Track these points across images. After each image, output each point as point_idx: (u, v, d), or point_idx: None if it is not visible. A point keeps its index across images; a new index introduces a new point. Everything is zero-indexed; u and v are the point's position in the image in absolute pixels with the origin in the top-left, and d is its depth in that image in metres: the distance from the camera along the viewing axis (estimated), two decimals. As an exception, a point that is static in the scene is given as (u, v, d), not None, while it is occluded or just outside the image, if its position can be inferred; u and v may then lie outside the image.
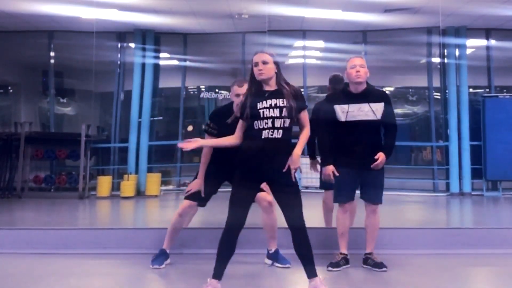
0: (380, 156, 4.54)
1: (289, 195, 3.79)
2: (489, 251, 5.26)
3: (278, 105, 3.79)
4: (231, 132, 4.04)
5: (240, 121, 3.92)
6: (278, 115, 3.76)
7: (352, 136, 4.57)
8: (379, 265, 4.62)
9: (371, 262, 4.67)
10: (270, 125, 3.75)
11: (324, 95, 5.75)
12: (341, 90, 4.88)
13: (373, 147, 4.60)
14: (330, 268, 4.62)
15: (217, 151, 4.58)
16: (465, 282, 4.61)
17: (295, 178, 3.79)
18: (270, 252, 4.80)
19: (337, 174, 4.60)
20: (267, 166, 3.75)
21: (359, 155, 4.56)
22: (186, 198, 4.66)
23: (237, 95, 4.48)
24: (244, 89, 4.42)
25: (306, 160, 5.93)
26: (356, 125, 4.57)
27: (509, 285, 4.41)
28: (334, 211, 5.34)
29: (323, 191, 5.71)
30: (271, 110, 3.78)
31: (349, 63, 4.69)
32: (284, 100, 3.81)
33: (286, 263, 4.71)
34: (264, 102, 3.81)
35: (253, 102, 3.82)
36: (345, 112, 4.61)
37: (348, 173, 4.64)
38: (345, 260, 4.72)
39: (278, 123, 3.76)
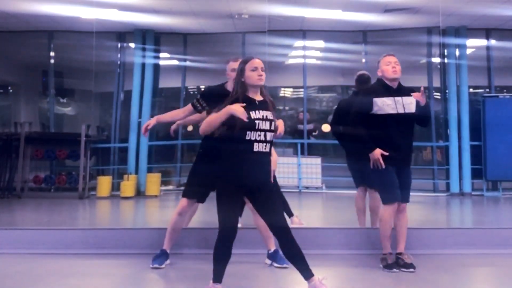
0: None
1: (269, 200, 3.74)
2: (489, 251, 5.26)
3: (268, 117, 3.71)
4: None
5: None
6: (268, 128, 3.69)
7: (394, 130, 4.56)
8: (407, 266, 4.60)
9: (401, 262, 4.65)
10: (263, 138, 3.66)
11: (325, 95, 5.78)
12: (378, 84, 4.82)
13: (410, 143, 4.68)
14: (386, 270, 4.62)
15: (212, 150, 4.58)
16: (465, 282, 4.61)
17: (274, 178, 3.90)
18: (270, 252, 4.80)
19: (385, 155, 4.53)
20: (253, 179, 3.67)
21: (401, 150, 4.58)
22: (184, 195, 4.68)
23: (233, 70, 4.46)
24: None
25: (306, 160, 5.95)
26: (397, 119, 4.57)
27: (509, 285, 4.41)
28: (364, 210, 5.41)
29: (324, 191, 5.71)
30: (263, 122, 3.68)
31: (383, 60, 4.73)
32: (271, 113, 3.75)
33: (283, 263, 4.68)
34: (258, 112, 3.69)
35: (246, 110, 3.62)
36: (385, 104, 4.60)
37: (392, 170, 4.62)
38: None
39: (269, 136, 3.70)
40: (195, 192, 4.65)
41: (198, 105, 4.60)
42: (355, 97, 5.26)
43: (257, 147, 3.66)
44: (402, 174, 4.65)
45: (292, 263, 3.77)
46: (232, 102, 3.68)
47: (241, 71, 3.79)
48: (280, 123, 3.88)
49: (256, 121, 3.66)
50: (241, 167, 3.66)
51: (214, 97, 4.51)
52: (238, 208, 3.81)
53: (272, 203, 3.75)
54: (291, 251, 3.70)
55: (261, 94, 3.84)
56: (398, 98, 4.63)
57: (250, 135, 3.65)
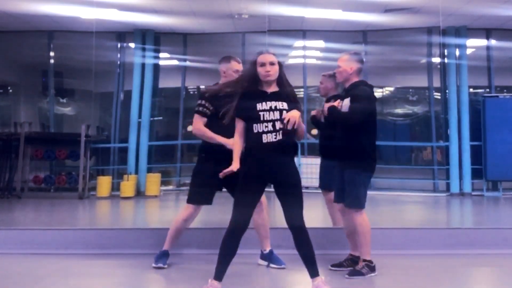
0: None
1: (291, 195, 3.76)
2: (489, 251, 5.26)
3: (278, 107, 3.73)
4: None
5: (238, 123, 3.84)
6: (278, 117, 3.70)
7: (326, 134, 4.72)
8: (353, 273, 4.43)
9: (345, 264, 4.64)
10: (270, 128, 3.69)
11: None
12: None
13: (347, 146, 4.45)
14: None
15: (216, 151, 4.57)
16: (465, 282, 4.61)
17: (296, 170, 3.82)
18: (265, 252, 4.76)
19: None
20: (270, 169, 3.73)
21: (333, 153, 4.64)
22: (189, 202, 4.59)
23: (236, 71, 4.53)
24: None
25: (306, 160, 5.94)
26: (327, 123, 4.70)
27: (509, 285, 4.41)
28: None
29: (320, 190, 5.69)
30: (271, 112, 3.71)
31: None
32: (285, 103, 3.76)
33: (281, 263, 4.68)
34: (264, 104, 3.74)
35: (252, 104, 3.75)
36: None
37: (338, 173, 4.59)
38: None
39: (279, 125, 3.70)
40: (200, 195, 4.56)
41: (204, 109, 4.52)
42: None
43: (266, 138, 3.70)
44: (342, 177, 4.49)
45: (302, 260, 3.80)
46: (240, 95, 3.80)
47: (253, 65, 3.84)
48: (291, 114, 3.66)
49: (261, 113, 3.72)
50: (255, 160, 3.72)
51: (215, 98, 4.41)
52: (253, 203, 3.80)
53: (291, 200, 3.76)
54: (304, 250, 3.75)
55: (278, 85, 3.85)
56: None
57: (257, 128, 3.71)
